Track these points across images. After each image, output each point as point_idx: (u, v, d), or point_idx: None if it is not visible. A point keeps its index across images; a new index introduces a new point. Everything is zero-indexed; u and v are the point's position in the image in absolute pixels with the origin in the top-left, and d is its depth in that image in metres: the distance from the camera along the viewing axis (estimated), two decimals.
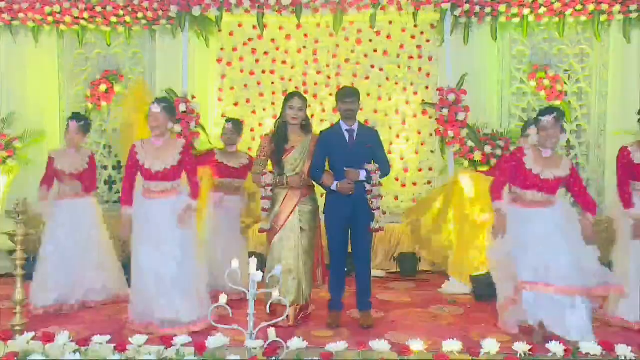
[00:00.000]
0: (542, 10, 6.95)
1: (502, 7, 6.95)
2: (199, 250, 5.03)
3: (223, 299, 3.74)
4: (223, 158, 6.03)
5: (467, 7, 6.92)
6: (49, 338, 3.71)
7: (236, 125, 6.15)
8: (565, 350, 3.58)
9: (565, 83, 7.27)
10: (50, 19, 7.43)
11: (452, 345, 3.62)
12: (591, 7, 6.90)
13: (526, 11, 6.97)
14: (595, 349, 3.54)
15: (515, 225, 4.58)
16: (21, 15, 7.44)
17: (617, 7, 6.87)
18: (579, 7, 6.91)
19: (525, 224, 4.55)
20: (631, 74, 7.13)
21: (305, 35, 7.80)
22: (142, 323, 4.70)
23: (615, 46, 7.17)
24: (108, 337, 3.77)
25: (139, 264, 4.80)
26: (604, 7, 6.88)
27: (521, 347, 3.60)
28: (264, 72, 7.91)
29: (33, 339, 3.78)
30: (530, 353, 3.59)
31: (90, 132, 6.01)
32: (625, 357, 3.52)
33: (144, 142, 4.97)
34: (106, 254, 5.80)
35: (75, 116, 5.82)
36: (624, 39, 7.06)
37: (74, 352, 3.59)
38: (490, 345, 3.58)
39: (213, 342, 3.62)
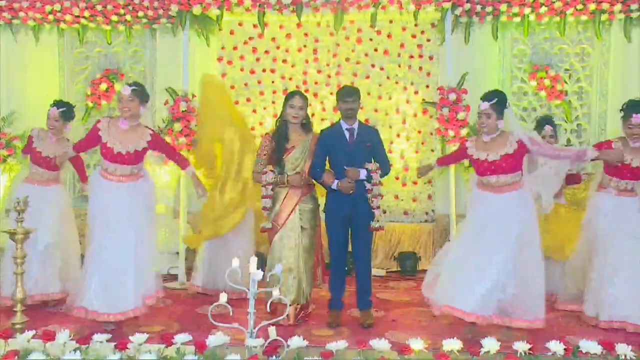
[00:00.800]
0: (543, 9, 6.94)
1: (503, 7, 6.94)
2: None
3: (223, 297, 3.74)
4: None
5: (468, 6, 6.90)
6: (49, 336, 3.71)
7: None
8: (566, 350, 3.58)
9: (566, 82, 7.27)
10: (50, 17, 7.42)
11: (452, 344, 3.62)
12: (592, 6, 6.89)
13: (527, 10, 6.96)
14: (596, 348, 3.54)
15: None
16: (21, 13, 7.42)
17: (618, 7, 6.86)
18: (579, 6, 6.89)
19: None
20: (632, 73, 7.12)
21: (306, 34, 7.81)
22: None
23: (616, 45, 7.17)
24: (108, 336, 3.77)
25: (97, 248, 4.78)
26: (605, 6, 6.87)
27: (521, 346, 3.60)
28: (264, 70, 7.92)
29: (33, 337, 3.78)
30: (531, 352, 3.59)
31: (72, 120, 5.88)
32: (626, 356, 3.52)
33: (110, 121, 4.96)
34: (69, 248, 5.69)
35: (57, 103, 5.80)
36: (624, 38, 7.04)
37: (74, 350, 3.59)
38: (490, 344, 3.58)
39: (213, 340, 3.63)
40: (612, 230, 5.01)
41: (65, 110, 5.72)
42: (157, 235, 5.38)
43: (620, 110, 5.14)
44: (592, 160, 4.96)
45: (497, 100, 4.60)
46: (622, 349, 3.55)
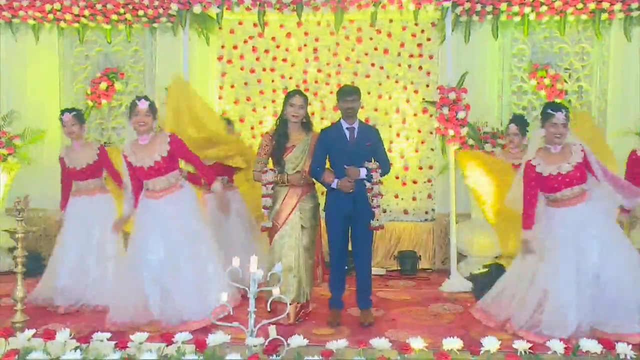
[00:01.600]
0: (543, 8, 6.94)
1: (504, 6, 6.94)
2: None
3: (223, 297, 3.74)
4: None
5: (468, 5, 6.91)
6: (49, 335, 3.71)
7: (229, 125, 6.18)
8: (566, 348, 3.58)
9: (566, 81, 7.27)
10: (50, 16, 7.42)
11: (452, 343, 3.61)
12: (592, 5, 6.90)
13: (527, 10, 6.96)
14: (596, 347, 3.54)
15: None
16: (21, 12, 7.42)
17: (618, 6, 6.87)
18: (579, 5, 6.90)
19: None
20: (631, 72, 7.13)
21: (306, 34, 7.81)
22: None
23: (615, 45, 7.17)
24: (109, 335, 3.77)
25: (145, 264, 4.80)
26: (605, 5, 6.88)
27: (521, 345, 3.61)
28: (264, 70, 7.92)
29: (34, 336, 3.77)
30: (531, 351, 3.59)
31: (85, 121, 5.90)
32: (626, 356, 3.52)
33: (132, 144, 4.92)
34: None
35: (66, 110, 5.77)
36: (624, 37, 7.05)
37: (75, 349, 3.59)
38: (491, 343, 3.58)
39: (213, 339, 3.63)
40: None
41: (76, 113, 5.73)
42: None
43: None
44: None
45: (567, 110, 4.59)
46: (622, 348, 3.55)
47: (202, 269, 4.83)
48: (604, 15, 6.98)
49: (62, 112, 5.76)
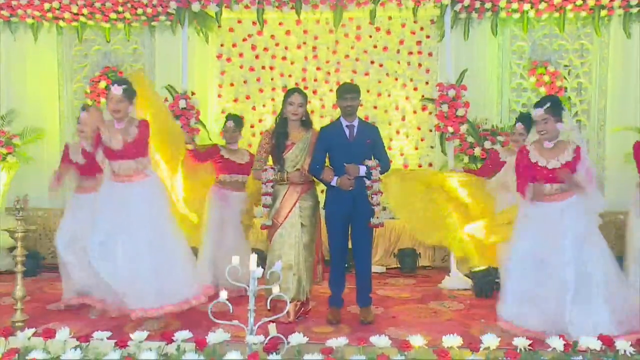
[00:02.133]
0: (543, 5, 6.95)
1: (503, 3, 6.96)
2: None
3: (224, 295, 3.74)
4: (229, 154, 6.02)
5: (467, 2, 6.92)
6: (49, 334, 3.71)
7: (238, 122, 6.14)
8: (565, 345, 3.59)
9: (565, 78, 7.28)
10: (49, 15, 7.43)
11: (452, 341, 3.61)
12: (591, 2, 6.92)
13: (526, 6, 6.97)
14: (595, 344, 3.54)
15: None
16: (20, 11, 7.43)
17: (618, 2, 6.89)
18: (579, 2, 6.92)
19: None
20: (631, 69, 7.14)
21: (305, 32, 7.81)
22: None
23: (615, 41, 7.19)
24: (109, 333, 3.77)
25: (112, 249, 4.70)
26: (604, 2, 6.91)
27: (521, 342, 3.61)
28: (263, 68, 7.92)
29: (34, 335, 3.77)
30: (530, 348, 3.59)
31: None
32: (625, 352, 3.52)
33: (109, 123, 4.73)
34: None
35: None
36: (624, 33, 7.07)
37: (75, 348, 3.59)
38: (490, 340, 3.58)
39: (213, 338, 3.62)
40: None
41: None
42: None
43: None
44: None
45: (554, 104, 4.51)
46: (622, 344, 3.55)
47: (160, 257, 4.73)
48: (604, 12, 6.99)
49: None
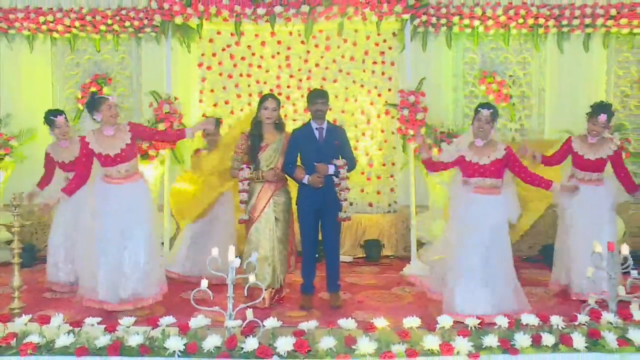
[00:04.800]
0: (490, 22, 7.09)
1: (456, 19, 7.05)
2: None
3: (204, 283, 3.75)
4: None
5: (424, 18, 6.98)
6: (44, 320, 3.68)
7: (217, 125, 6.13)
8: (509, 323, 3.68)
9: (510, 87, 7.39)
10: (44, 27, 7.32)
11: (411, 322, 3.67)
12: (530, 21, 7.09)
13: (476, 23, 7.08)
14: (534, 320, 3.64)
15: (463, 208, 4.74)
16: (17, 24, 7.33)
17: (552, 22, 7.10)
18: (520, 20, 7.08)
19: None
20: (564, 80, 7.35)
21: (279, 42, 7.79)
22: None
23: (551, 55, 7.39)
24: (99, 319, 3.75)
25: (106, 246, 4.70)
26: (541, 21, 7.10)
27: (472, 321, 3.68)
28: (241, 75, 7.87)
29: (30, 321, 3.74)
30: (480, 326, 3.66)
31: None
32: (558, 326, 3.63)
33: (96, 134, 4.76)
34: None
35: (57, 112, 5.74)
36: (558, 49, 7.26)
37: (68, 332, 3.57)
38: (445, 320, 3.65)
39: (195, 322, 3.63)
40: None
41: (65, 115, 5.77)
42: None
43: (587, 113, 5.29)
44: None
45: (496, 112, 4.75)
46: (555, 320, 3.66)
47: (144, 254, 4.76)
48: (541, 30, 7.19)
49: (55, 114, 5.65)
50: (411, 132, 6.68)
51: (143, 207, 4.81)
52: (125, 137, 4.75)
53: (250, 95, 7.86)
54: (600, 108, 5.20)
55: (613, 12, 7.03)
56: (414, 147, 6.68)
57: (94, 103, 4.72)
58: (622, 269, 4.07)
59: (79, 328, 3.63)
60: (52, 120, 5.60)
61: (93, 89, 7.37)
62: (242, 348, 3.42)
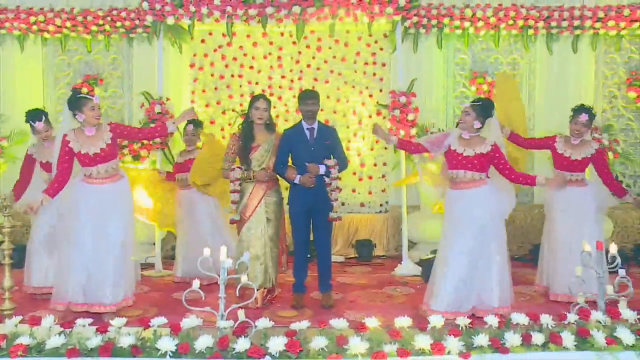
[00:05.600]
0: (480, 23, 7.11)
1: (446, 20, 7.07)
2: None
3: (196, 284, 3.73)
4: (188, 155, 6.01)
5: (415, 19, 6.99)
6: (35, 321, 3.65)
7: (197, 125, 6.11)
8: (499, 322, 3.68)
9: None
10: (34, 27, 7.27)
11: (403, 322, 3.66)
12: (520, 22, 7.13)
13: (467, 24, 7.11)
14: (524, 320, 3.65)
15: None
16: (7, 24, 7.27)
17: (541, 24, 7.15)
18: (510, 22, 7.11)
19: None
20: (553, 80, 7.41)
21: (271, 43, 7.79)
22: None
23: (540, 56, 7.45)
24: (90, 320, 3.72)
25: (82, 247, 4.60)
26: (531, 22, 7.15)
27: (462, 321, 3.68)
28: (232, 76, 7.87)
29: (21, 322, 3.71)
30: (470, 326, 3.66)
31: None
32: (548, 325, 3.64)
33: (76, 133, 4.63)
34: None
35: (37, 115, 5.43)
36: (547, 50, 7.30)
37: (59, 334, 3.53)
38: (436, 320, 3.65)
39: (187, 323, 3.60)
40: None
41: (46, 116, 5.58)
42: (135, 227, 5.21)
43: (571, 110, 5.30)
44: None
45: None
46: (545, 319, 3.67)
47: (121, 258, 4.68)
48: (530, 31, 7.24)
49: (35, 118, 5.39)
50: (402, 132, 6.69)
51: (121, 208, 4.72)
52: (105, 137, 4.64)
53: (242, 95, 7.86)
54: (582, 109, 5.23)
55: (601, 14, 7.10)
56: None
57: (76, 103, 4.59)
58: (610, 268, 4.08)
59: (70, 329, 3.59)
60: (31, 125, 5.45)
61: (84, 90, 7.31)
62: (234, 348, 3.40)
